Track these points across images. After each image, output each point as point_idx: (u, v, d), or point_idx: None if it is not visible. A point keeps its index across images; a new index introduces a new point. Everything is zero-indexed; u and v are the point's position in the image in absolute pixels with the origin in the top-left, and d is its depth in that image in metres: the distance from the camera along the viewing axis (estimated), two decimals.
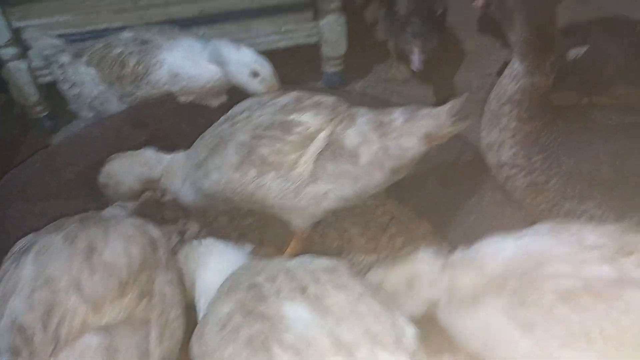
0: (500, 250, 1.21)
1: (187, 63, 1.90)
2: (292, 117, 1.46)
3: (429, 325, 1.25)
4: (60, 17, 2.13)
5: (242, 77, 1.84)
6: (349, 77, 2.45)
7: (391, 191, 1.79)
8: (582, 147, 1.39)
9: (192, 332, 1.21)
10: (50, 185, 1.78)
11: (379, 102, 1.78)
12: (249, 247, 1.49)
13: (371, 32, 2.63)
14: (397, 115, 1.45)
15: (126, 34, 1.97)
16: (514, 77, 1.38)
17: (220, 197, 1.53)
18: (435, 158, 1.65)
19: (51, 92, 2.20)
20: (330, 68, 2.39)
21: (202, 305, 1.31)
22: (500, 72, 1.44)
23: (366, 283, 1.20)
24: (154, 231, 1.31)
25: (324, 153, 1.43)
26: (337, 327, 1.06)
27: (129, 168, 1.62)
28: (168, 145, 1.67)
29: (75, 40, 2.10)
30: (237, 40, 1.89)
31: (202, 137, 1.58)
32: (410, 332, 1.10)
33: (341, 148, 1.44)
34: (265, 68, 1.81)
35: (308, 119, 1.45)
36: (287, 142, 1.43)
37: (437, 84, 2.42)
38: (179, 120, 1.88)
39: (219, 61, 1.86)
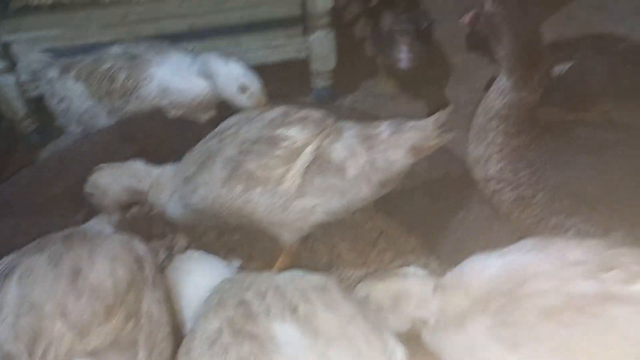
0: (484, 269, 1.20)
1: (176, 77, 1.90)
2: (278, 131, 1.46)
3: (414, 343, 1.24)
4: (49, 31, 2.12)
5: (230, 90, 1.84)
6: (338, 92, 2.46)
7: (380, 205, 1.79)
8: (569, 162, 1.39)
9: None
10: (38, 200, 1.75)
11: (368, 117, 1.77)
12: (237, 262, 1.48)
13: (360, 47, 2.65)
14: (384, 128, 1.46)
15: (116, 49, 1.97)
16: (501, 92, 1.39)
17: (209, 212, 1.52)
18: (424, 173, 1.66)
19: (39, 106, 2.19)
20: (319, 83, 2.40)
21: (188, 318, 1.30)
22: (487, 88, 1.45)
23: (355, 301, 1.19)
24: (141, 248, 1.29)
25: (311, 167, 1.44)
26: (328, 350, 1.05)
27: (116, 179, 1.61)
28: (157, 159, 1.65)
29: (64, 54, 2.09)
30: (227, 55, 1.89)
31: (191, 152, 1.58)
32: (400, 353, 1.10)
33: (328, 162, 1.44)
34: (253, 82, 1.82)
35: (295, 134, 1.45)
36: (274, 157, 1.43)
37: (426, 99, 2.43)
38: (168, 135, 1.88)
39: (208, 74, 1.87)
